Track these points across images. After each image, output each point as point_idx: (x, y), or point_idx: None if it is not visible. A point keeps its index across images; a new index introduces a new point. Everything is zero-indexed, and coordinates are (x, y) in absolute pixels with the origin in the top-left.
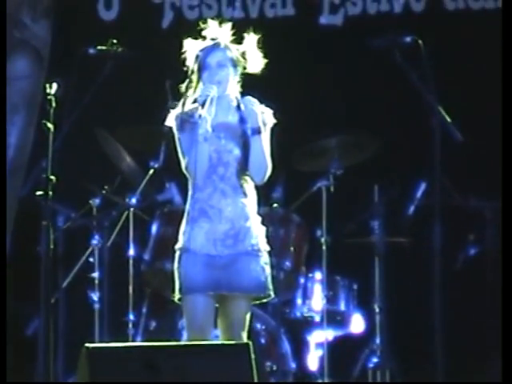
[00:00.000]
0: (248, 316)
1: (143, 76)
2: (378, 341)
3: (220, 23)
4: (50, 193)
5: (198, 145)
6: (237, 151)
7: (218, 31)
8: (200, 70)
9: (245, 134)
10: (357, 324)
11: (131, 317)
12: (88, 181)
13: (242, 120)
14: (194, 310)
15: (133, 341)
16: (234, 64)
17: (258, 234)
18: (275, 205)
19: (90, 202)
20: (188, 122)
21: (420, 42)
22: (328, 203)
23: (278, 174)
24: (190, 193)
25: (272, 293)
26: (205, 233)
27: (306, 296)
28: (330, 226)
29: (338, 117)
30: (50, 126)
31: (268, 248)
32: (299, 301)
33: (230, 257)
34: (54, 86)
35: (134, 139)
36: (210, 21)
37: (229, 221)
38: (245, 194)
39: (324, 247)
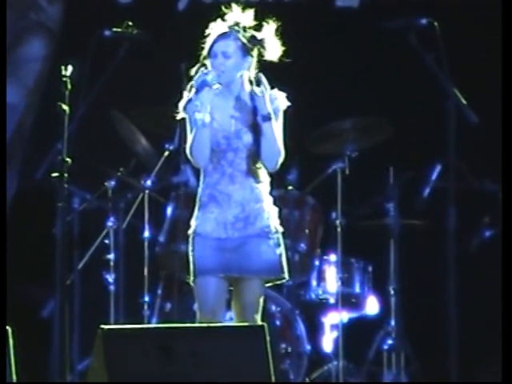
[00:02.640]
0: (261, 298)
1: (158, 58)
2: (392, 323)
3: (243, 9)
4: (66, 175)
5: (197, 130)
6: (247, 138)
7: (240, 17)
8: (208, 56)
9: (256, 120)
10: (371, 306)
11: (146, 298)
12: (103, 163)
13: (254, 107)
14: (205, 291)
15: (148, 322)
16: (245, 53)
17: (270, 215)
18: (290, 187)
19: (106, 184)
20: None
21: (435, 24)
22: (343, 185)
23: (293, 156)
24: (201, 178)
25: (286, 275)
26: (215, 218)
27: (321, 278)
28: (345, 209)
29: (354, 99)
30: (65, 108)
31: (281, 229)
32: (314, 283)
33: (240, 239)
34: (70, 68)
35: (149, 121)
36: (233, 6)
37: (239, 204)
38: (255, 178)
39: (339, 229)
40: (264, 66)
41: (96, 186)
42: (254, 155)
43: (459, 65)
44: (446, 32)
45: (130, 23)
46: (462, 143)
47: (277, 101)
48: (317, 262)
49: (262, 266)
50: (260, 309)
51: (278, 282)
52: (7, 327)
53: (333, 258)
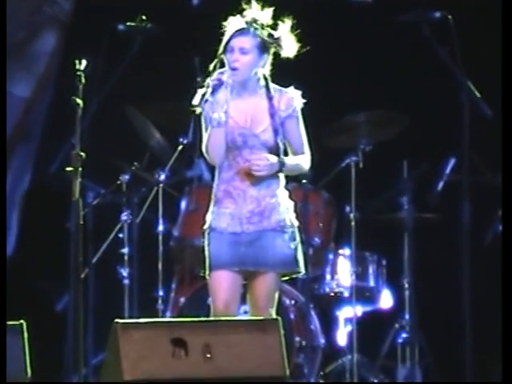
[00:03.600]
0: (277, 292)
1: (172, 52)
2: (406, 316)
3: (262, 7)
4: (80, 169)
5: (212, 130)
6: (265, 135)
7: (258, 14)
8: (224, 51)
9: (273, 118)
10: (385, 300)
11: (160, 293)
12: (117, 157)
13: (271, 105)
14: (219, 285)
15: (162, 317)
16: (262, 50)
17: (286, 209)
18: (304, 181)
19: (120, 178)
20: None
21: (449, 17)
22: (357, 179)
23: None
24: (216, 172)
25: (301, 269)
26: (230, 213)
27: (335, 272)
28: (359, 202)
29: (367, 92)
30: (79, 102)
31: (297, 223)
32: (328, 277)
33: (255, 233)
34: (84, 62)
35: (163, 115)
36: (253, 2)
37: (254, 199)
38: (269, 175)
39: (353, 223)
40: (278, 60)
41: (110, 180)
42: (270, 153)
43: (473, 58)
44: (460, 25)
45: (144, 17)
46: (476, 136)
47: (295, 100)
48: (331, 256)
49: (278, 260)
50: (275, 303)
51: (294, 276)
52: (22, 321)
53: (347, 251)
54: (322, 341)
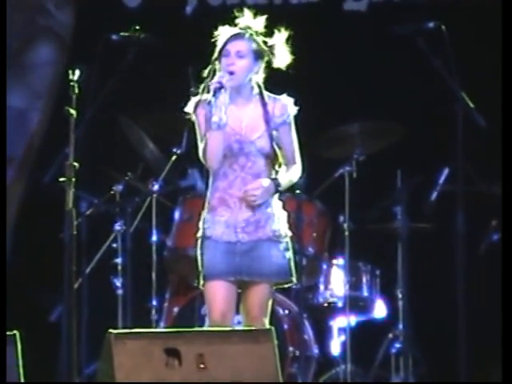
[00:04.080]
0: (270, 302)
1: (166, 62)
2: (400, 326)
3: (255, 14)
4: (73, 179)
5: (212, 132)
6: (260, 142)
7: (251, 22)
8: (220, 56)
9: (269, 125)
10: (379, 310)
11: (154, 303)
12: (111, 167)
13: (266, 111)
14: (215, 295)
15: (156, 327)
16: (257, 56)
17: (280, 219)
18: (298, 191)
19: (114, 188)
20: (204, 108)
21: (443, 27)
22: (351, 189)
23: (301, 160)
24: (210, 180)
25: (294, 278)
26: (225, 221)
27: (329, 282)
28: (353, 212)
29: (361, 103)
30: (72, 112)
31: (290, 233)
32: (322, 286)
33: (251, 243)
34: (77, 72)
35: (157, 125)
36: (245, 10)
37: (249, 208)
38: None
39: (347, 233)
40: (273, 69)
41: (104, 190)
42: (267, 158)
43: (467, 68)
44: (453, 35)
45: (138, 27)
46: (470, 147)
47: (289, 107)
48: (325, 266)
49: (273, 270)
50: (268, 312)
51: (286, 286)
52: (15, 331)
53: (340, 261)
54: (316, 351)
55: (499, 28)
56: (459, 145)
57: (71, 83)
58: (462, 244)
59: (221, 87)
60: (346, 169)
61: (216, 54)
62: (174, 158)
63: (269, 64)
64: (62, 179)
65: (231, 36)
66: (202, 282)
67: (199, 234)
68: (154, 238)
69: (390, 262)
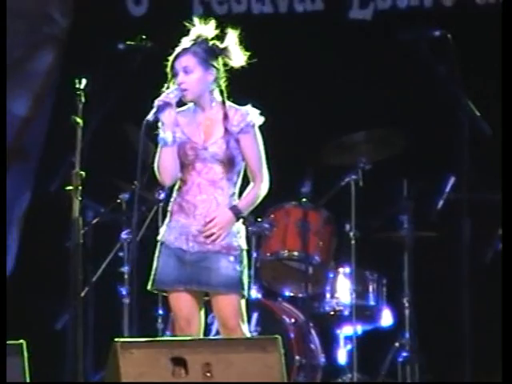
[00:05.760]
0: (239, 307)
1: None
2: (407, 335)
3: (204, 20)
4: (80, 188)
5: (160, 149)
6: (214, 148)
7: (202, 29)
8: (172, 75)
9: (227, 130)
10: (386, 318)
11: (160, 311)
12: (117, 176)
13: (225, 116)
14: (177, 304)
15: (162, 335)
16: (207, 65)
17: (234, 233)
18: (304, 199)
19: (120, 197)
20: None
21: (449, 35)
22: (357, 198)
23: (307, 168)
24: (175, 187)
25: (245, 292)
26: (180, 227)
27: (335, 290)
28: (359, 221)
29: (367, 111)
30: (79, 120)
31: (245, 247)
32: (328, 295)
33: (200, 254)
34: (84, 81)
35: None
36: (195, 19)
37: (202, 218)
38: (223, 189)
39: (353, 242)
40: (279, 75)
41: (110, 198)
42: (225, 165)
43: (473, 76)
44: (459, 43)
45: (144, 36)
46: (476, 155)
47: (249, 116)
48: (331, 275)
49: (221, 281)
50: (244, 317)
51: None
52: (22, 341)
53: (347, 270)
54: (322, 359)
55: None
56: (465, 153)
57: (77, 92)
58: (468, 252)
59: (165, 104)
60: (352, 177)
61: (169, 76)
62: None
63: (227, 66)
64: (68, 188)
65: (176, 54)
66: (152, 286)
67: (158, 237)
68: None
69: (397, 270)
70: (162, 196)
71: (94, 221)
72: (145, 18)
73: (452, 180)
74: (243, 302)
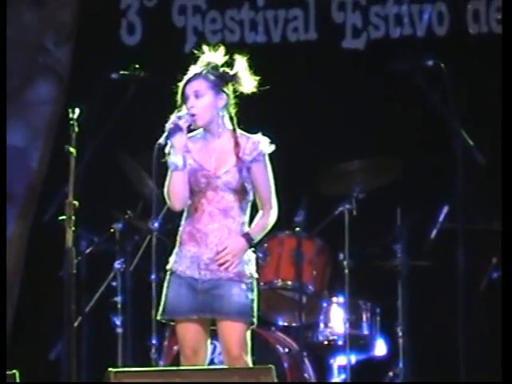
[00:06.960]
0: (245, 337)
1: (165, 100)
2: (401, 365)
3: (213, 47)
4: (73, 217)
5: (171, 173)
6: (227, 176)
7: (211, 56)
8: (182, 102)
9: (239, 159)
10: (380, 348)
11: (154, 341)
12: (111, 206)
13: (237, 144)
14: (185, 334)
15: (156, 365)
16: (218, 90)
17: (245, 260)
18: (298, 228)
19: (113, 226)
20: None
21: (442, 65)
22: (350, 227)
23: (301, 197)
24: (183, 215)
25: (255, 321)
26: (191, 256)
27: (329, 320)
28: (353, 250)
29: (361, 140)
30: (72, 150)
31: (256, 275)
32: (322, 325)
33: (212, 282)
34: (77, 110)
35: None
36: (204, 47)
37: (214, 246)
38: (234, 218)
39: (346, 271)
40: (268, 105)
41: (103, 228)
42: (236, 194)
43: (466, 106)
44: (452, 72)
45: (138, 65)
46: (470, 184)
47: (261, 145)
48: (324, 304)
49: (233, 309)
50: (248, 348)
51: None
52: (14, 371)
53: (340, 299)
54: None
55: (498, 65)
56: (458, 182)
57: (71, 122)
58: (463, 282)
59: (176, 128)
60: (345, 206)
61: (179, 101)
62: None
63: (236, 92)
64: (61, 218)
65: (188, 79)
66: (162, 316)
67: (168, 266)
68: (154, 276)
69: (390, 299)
70: (156, 225)
71: (88, 250)
72: (138, 47)
73: (446, 209)
74: (249, 333)
